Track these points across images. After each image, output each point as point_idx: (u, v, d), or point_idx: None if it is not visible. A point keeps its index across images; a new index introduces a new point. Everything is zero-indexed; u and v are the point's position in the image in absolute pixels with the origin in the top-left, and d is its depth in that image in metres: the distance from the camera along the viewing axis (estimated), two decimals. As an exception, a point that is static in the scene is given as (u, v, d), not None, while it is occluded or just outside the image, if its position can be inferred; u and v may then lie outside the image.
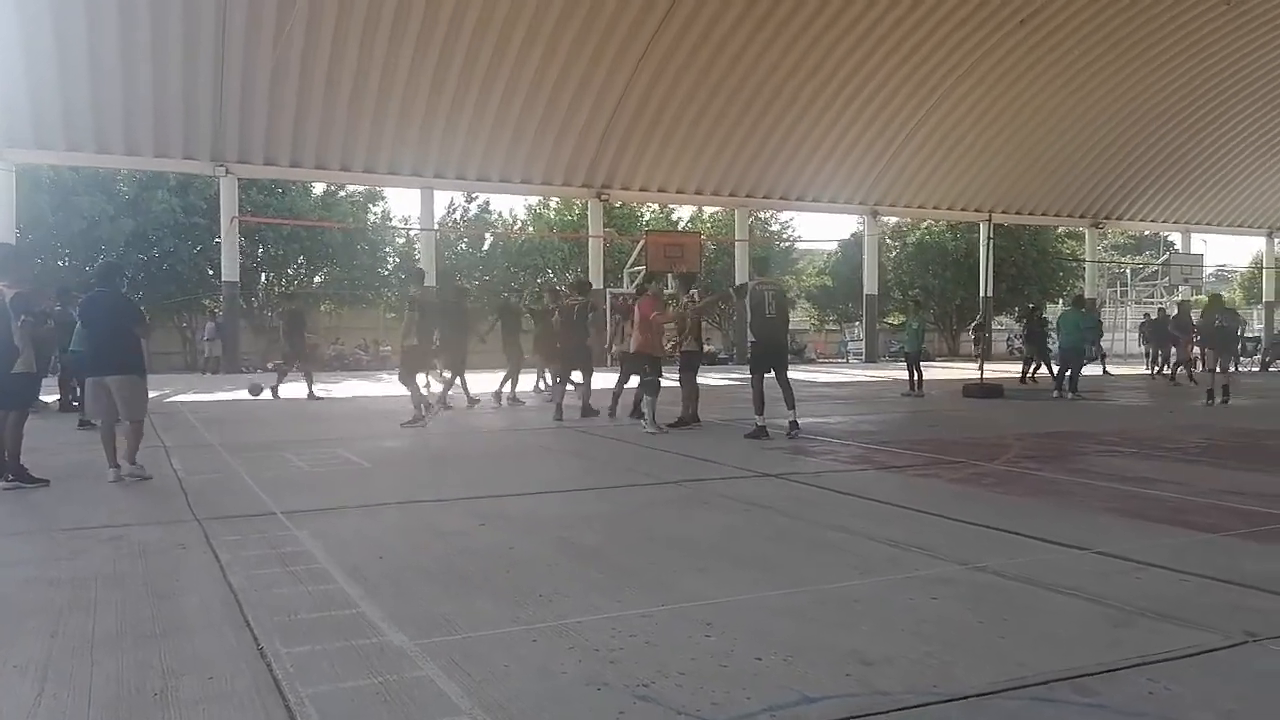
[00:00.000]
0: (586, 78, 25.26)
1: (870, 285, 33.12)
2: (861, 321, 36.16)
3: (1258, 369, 25.44)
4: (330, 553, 4.82)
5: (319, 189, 35.50)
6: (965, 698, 2.89)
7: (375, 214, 38.80)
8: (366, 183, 32.51)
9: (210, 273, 31.36)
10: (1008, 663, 3.18)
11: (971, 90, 28.69)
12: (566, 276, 39.82)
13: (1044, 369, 18.55)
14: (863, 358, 34.12)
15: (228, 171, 25.29)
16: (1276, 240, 40.98)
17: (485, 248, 39.83)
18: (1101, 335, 22.46)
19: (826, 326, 46.69)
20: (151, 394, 8.50)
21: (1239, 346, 20.91)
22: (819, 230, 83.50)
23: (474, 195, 38.32)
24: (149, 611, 3.90)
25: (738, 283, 7.82)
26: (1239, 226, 39.39)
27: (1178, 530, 5.29)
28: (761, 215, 39.18)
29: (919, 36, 26.22)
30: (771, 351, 10.15)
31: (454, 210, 39.54)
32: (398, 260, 38.78)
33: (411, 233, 36.36)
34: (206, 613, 3.89)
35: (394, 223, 39.76)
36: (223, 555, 4.79)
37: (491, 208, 40.83)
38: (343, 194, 36.52)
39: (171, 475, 7.53)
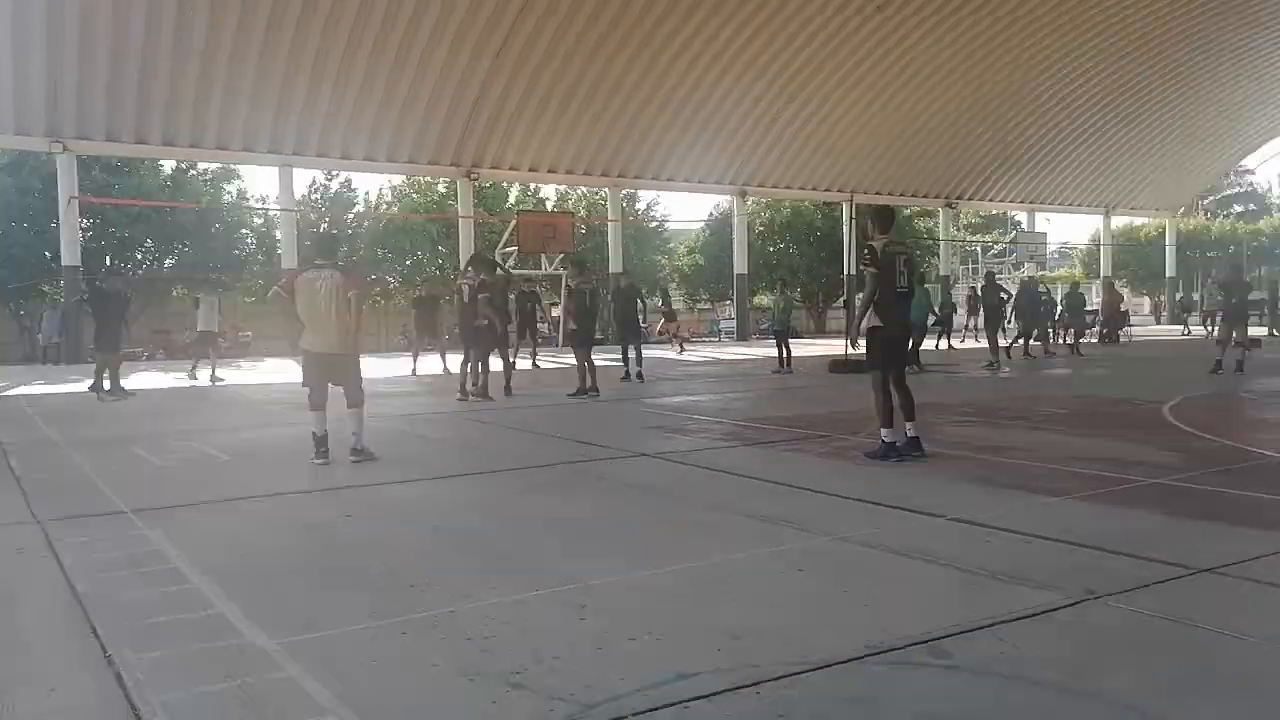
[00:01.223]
0: (453, 53, 24.68)
1: (740, 264, 33.75)
2: (732, 300, 36.85)
3: (1096, 340, 27.23)
4: (185, 552, 4.58)
5: (169, 166, 33.59)
6: (830, 665, 2.98)
7: (230, 193, 37.03)
8: (219, 160, 30.98)
9: (49, 256, 29.29)
10: (870, 629, 3.30)
11: (833, 74, 29.49)
12: (436, 258, 39.12)
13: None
14: (735, 336, 34.79)
15: (65, 148, 23.59)
16: (1113, 218, 43.90)
17: (349, 229, 38.49)
18: (954, 311, 23.63)
19: (699, 306, 47.37)
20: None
21: (1084, 320, 22.37)
22: (689, 208, 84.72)
23: (334, 173, 37.00)
24: (-20, 624, 3.62)
25: (864, 245, 7.01)
26: (1078, 206, 41.97)
27: (1025, 495, 5.60)
28: (628, 194, 39.27)
29: (783, 20, 26.74)
30: (900, 339, 7.32)
31: (315, 189, 38.14)
32: (255, 240, 37.22)
33: (270, 212, 34.86)
34: (47, 621, 3.64)
35: (251, 202, 38.05)
36: (66, 558, 4.49)
37: (354, 186, 39.56)
38: (194, 172, 34.66)
39: (8, 474, 7.01)
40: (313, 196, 37.89)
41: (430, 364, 17.66)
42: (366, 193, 41.78)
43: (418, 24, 23.61)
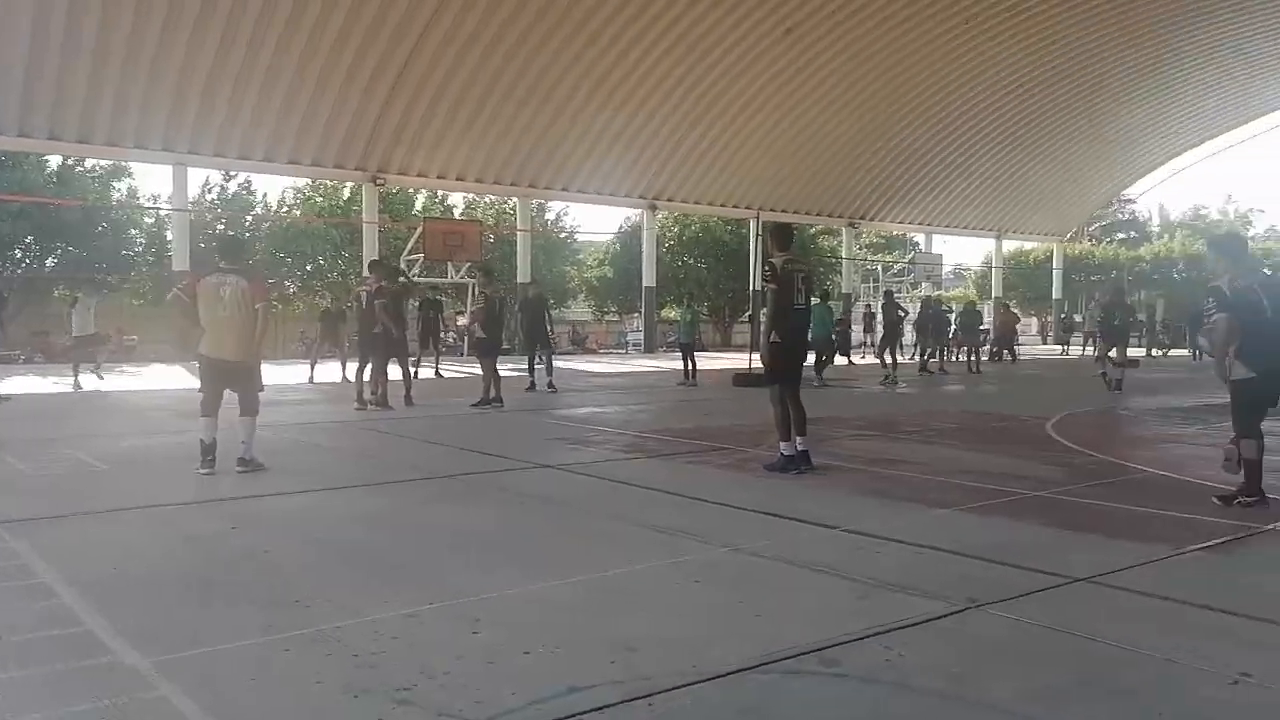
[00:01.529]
0: (360, 56, 24.15)
1: (648, 278, 33.94)
2: (640, 313, 37.03)
3: (987, 358, 28.28)
4: (56, 565, 4.34)
5: (54, 161, 32.00)
6: (722, 675, 3.00)
7: (120, 191, 35.51)
8: (109, 156, 29.68)
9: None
10: (763, 639, 3.33)
11: (742, 93, 29.97)
12: (339, 264, 38.23)
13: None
14: (642, 348, 34.94)
15: (-62, 140, 22.26)
16: (1005, 242, 45.74)
17: (247, 231, 37.21)
18: (848, 328, 24.27)
19: (607, 317, 47.45)
20: None
21: (979, 338, 23.23)
22: (599, 220, 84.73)
23: (232, 174, 35.81)
24: None
25: (764, 262, 7.06)
26: (973, 229, 43.60)
27: (917, 507, 5.76)
28: (538, 204, 39.14)
29: (694, 38, 27.06)
30: (797, 355, 7.38)
31: (209, 189, 36.82)
32: (145, 241, 35.75)
33: (162, 213, 33.52)
34: (-106, 642, 3.39)
35: (142, 201, 36.51)
36: (-81, 575, 4.20)
37: (253, 188, 38.36)
38: (81, 169, 33.09)
39: None
40: (207, 197, 36.61)
41: (329, 372, 17.22)
42: (265, 195, 40.51)
43: (324, 25, 23.04)
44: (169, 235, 30.66)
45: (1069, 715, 2.75)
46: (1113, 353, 15.07)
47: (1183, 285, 46.24)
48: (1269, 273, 6.77)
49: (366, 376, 12.05)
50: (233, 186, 37.29)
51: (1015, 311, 31.07)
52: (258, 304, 7.04)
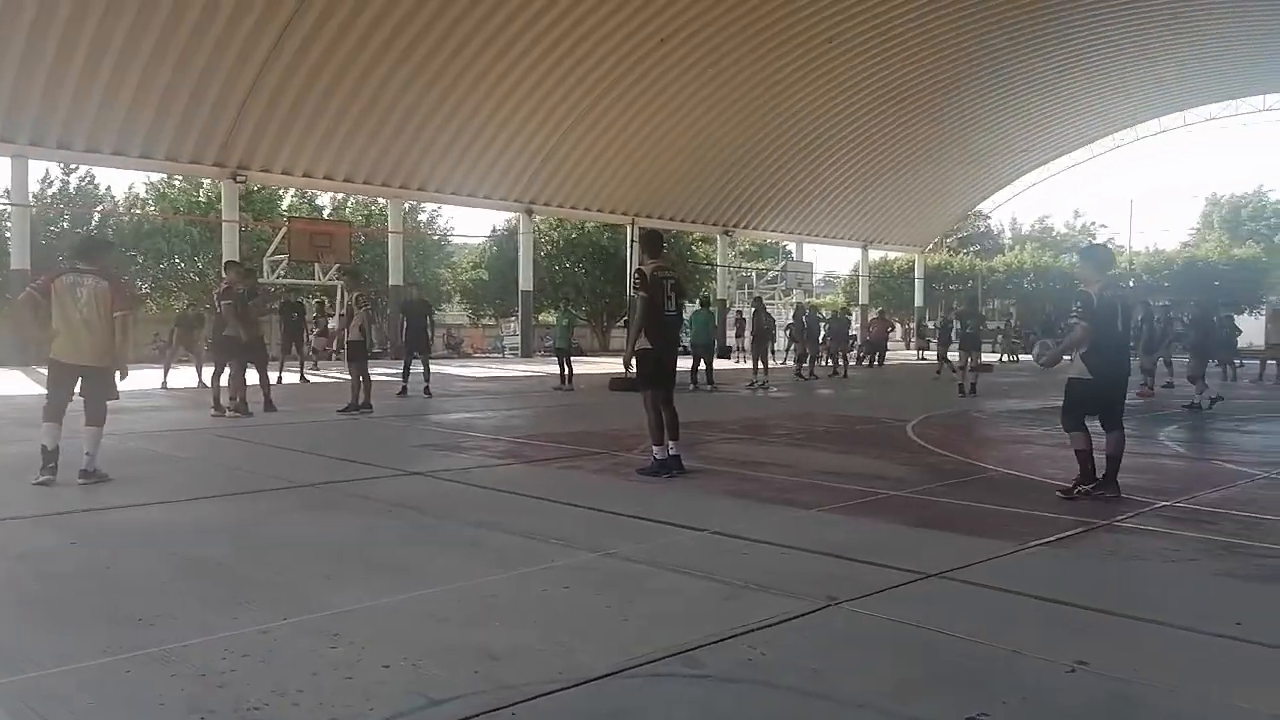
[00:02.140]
0: (220, 47, 23.06)
1: (525, 281, 33.72)
2: (517, 317, 36.73)
3: (854, 363, 29.31)
4: None
5: None
6: (587, 681, 2.99)
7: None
8: (-62, 146, 27.42)
9: None
10: (628, 643, 3.34)
11: (619, 100, 30.17)
12: (196, 264, 36.46)
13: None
14: (519, 353, 34.66)
15: None
16: (870, 252, 47.57)
17: (93, 228, 34.91)
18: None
19: (483, 321, 46.84)
20: None
21: (847, 344, 24.10)
22: (474, 223, 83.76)
23: (73, 167, 33.60)
24: None
25: (635, 269, 7.01)
26: (840, 239, 45.18)
27: (783, 508, 5.90)
28: (408, 205, 38.34)
29: (571, 43, 27.06)
30: (668, 361, 7.36)
31: (49, 184, 34.45)
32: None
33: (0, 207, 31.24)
34: None
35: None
36: None
37: (96, 181, 36.01)
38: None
39: None
40: (48, 192, 34.25)
41: (183, 377, 16.41)
42: (109, 188, 38.05)
43: (182, 11, 21.92)
44: (7, 233, 28.57)
45: (920, 707, 2.86)
46: (952, 357, 15.90)
47: (1033, 294, 49.11)
48: (1124, 287, 7.31)
49: (224, 381, 11.54)
50: (74, 181, 34.93)
51: (888, 319, 32.48)
52: (117, 312, 6.65)
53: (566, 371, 17.02)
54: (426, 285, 36.40)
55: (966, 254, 60.58)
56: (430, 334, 15.76)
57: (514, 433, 10.34)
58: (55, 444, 6.54)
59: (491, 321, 46.32)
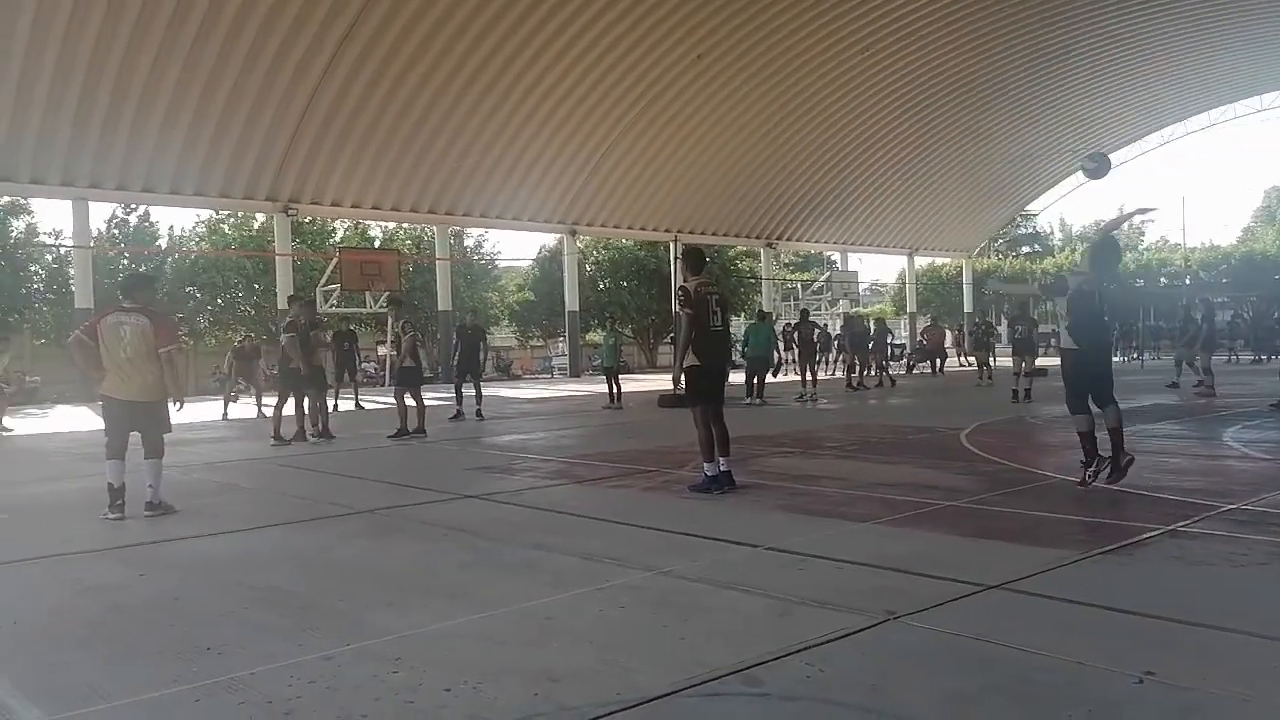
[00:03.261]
0: (268, 84, 23.72)
1: (571, 302, 33.94)
2: (564, 337, 36.97)
3: (904, 371, 29.01)
4: (-54, 624, 4.12)
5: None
6: (645, 702, 3.00)
7: (18, 229, 34.07)
8: (3, 193, 28.51)
9: None
10: (685, 662, 3.34)
11: (657, 118, 30.33)
12: (252, 296, 37.29)
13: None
14: (567, 373, 34.87)
15: None
16: (917, 259, 47.07)
17: (153, 265, 36.03)
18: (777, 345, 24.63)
19: (531, 343, 47.23)
20: None
21: (886, 353, 23.87)
22: (519, 246, 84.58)
23: (133, 206, 34.68)
24: None
25: (678, 286, 7.22)
26: (886, 247, 44.77)
27: (836, 522, 5.86)
28: (454, 231, 38.88)
29: (608, 65, 27.32)
30: (718, 376, 7.35)
31: (114, 224, 35.62)
32: (45, 278, 34.39)
33: (63, 249, 32.28)
34: None
35: (42, 238, 35.09)
36: None
37: (154, 219, 37.17)
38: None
39: None
40: (112, 232, 35.39)
41: (244, 409, 16.79)
42: (171, 227, 39.30)
43: (229, 54, 22.58)
44: (71, 272, 29.52)
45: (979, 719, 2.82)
46: (1006, 363, 15.77)
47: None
48: (1112, 286, 7.83)
49: (289, 411, 11.79)
50: (134, 220, 36.09)
51: (943, 326, 32.13)
52: (163, 348, 6.82)
53: (615, 390, 17.09)
54: (477, 309, 36.86)
55: (1016, 257, 59.69)
56: (483, 358, 16.07)
57: (565, 453, 10.40)
58: (121, 481, 6.72)
59: (540, 343, 46.71)
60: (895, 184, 39.52)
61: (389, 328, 24.41)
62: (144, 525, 6.47)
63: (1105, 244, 7.39)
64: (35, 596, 4.67)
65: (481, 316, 34.80)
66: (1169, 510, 5.85)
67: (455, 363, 16.00)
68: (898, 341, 36.23)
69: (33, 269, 34.68)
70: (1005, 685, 3.09)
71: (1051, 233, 68.87)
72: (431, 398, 15.17)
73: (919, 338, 33.30)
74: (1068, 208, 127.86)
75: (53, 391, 25.84)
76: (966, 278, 48.29)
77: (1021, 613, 3.92)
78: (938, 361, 27.37)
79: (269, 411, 12.58)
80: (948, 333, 32.54)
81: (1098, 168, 7.16)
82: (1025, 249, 64.48)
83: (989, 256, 54.09)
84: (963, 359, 30.21)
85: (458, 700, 3.08)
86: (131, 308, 6.86)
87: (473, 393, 15.13)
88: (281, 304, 26.32)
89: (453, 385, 15.78)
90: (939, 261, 50.92)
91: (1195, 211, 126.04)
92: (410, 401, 12.19)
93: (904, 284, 48.39)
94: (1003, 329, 36.42)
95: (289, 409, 11.79)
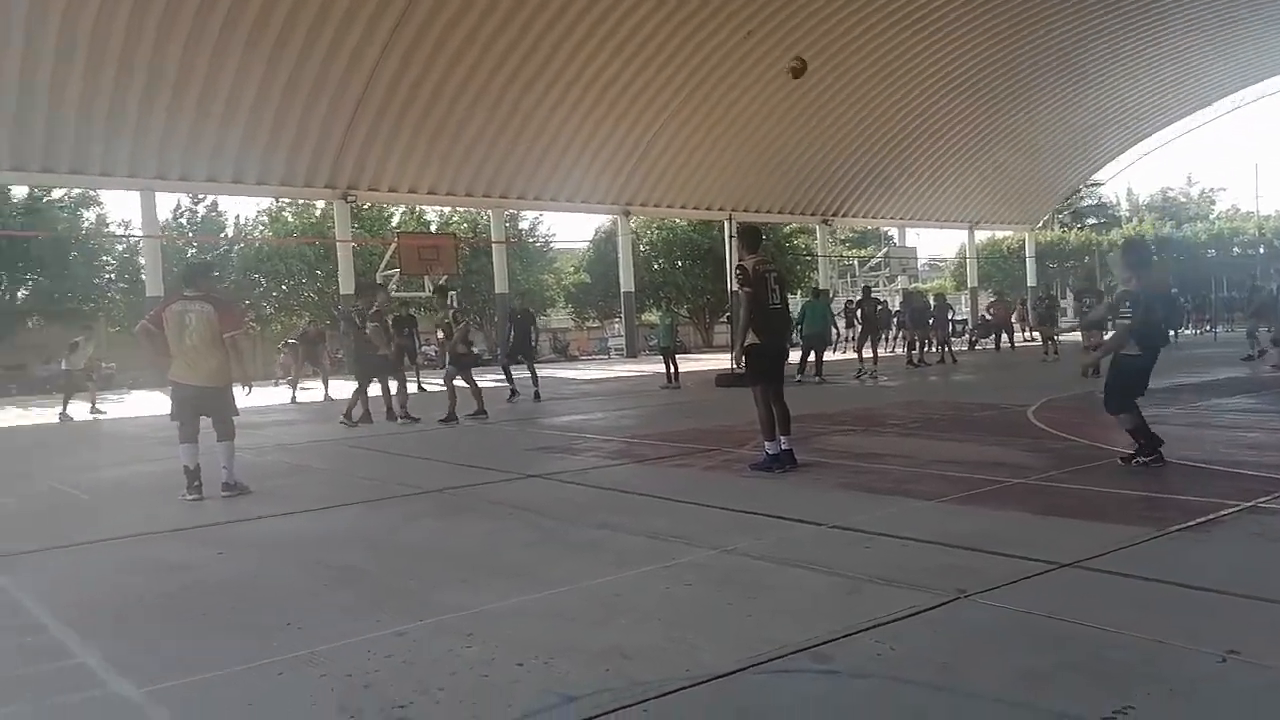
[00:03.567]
0: (324, 73, 24.09)
1: (626, 283, 33.98)
2: (620, 318, 37.05)
3: (966, 347, 28.52)
4: (41, 598, 4.31)
5: (19, 193, 31.66)
6: (714, 678, 3.01)
7: (89, 219, 35.16)
8: (75, 185, 29.40)
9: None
10: (753, 639, 3.35)
11: (709, 97, 30.10)
12: (315, 282, 37.99)
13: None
14: (624, 353, 34.97)
15: (-100, 174, 21.99)
16: (977, 233, 46.12)
17: (219, 253, 36.96)
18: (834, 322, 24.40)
19: (587, 324, 47.42)
20: None
21: (948, 329, 23.48)
22: (574, 228, 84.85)
23: (200, 196, 35.60)
24: None
25: (736, 265, 7.32)
26: (945, 221, 43.94)
27: (901, 500, 5.80)
28: (509, 214, 39.10)
29: (659, 43, 27.17)
30: (777, 355, 7.37)
31: (180, 213, 36.58)
32: (117, 268, 35.47)
33: (133, 239, 33.24)
34: (-119, 686, 3.35)
35: (112, 228, 36.17)
36: (-97, 616, 4.15)
37: (221, 209, 38.13)
38: (48, 199, 32.75)
39: None
40: (179, 221, 36.34)
41: (311, 392, 17.18)
42: (238, 216, 40.26)
43: (285, 42, 22.96)
44: (141, 261, 30.38)
45: (1059, 701, 2.79)
46: (1077, 336, 15.47)
47: (1155, 268, 46.72)
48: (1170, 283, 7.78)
49: (374, 393, 12.17)
50: (201, 209, 37.03)
51: (1010, 301, 31.49)
52: (228, 333, 6.99)
53: (672, 370, 17.09)
54: (531, 291, 37.10)
55: (1081, 229, 58.15)
56: (535, 341, 16.38)
57: (625, 433, 10.45)
58: (195, 463, 6.93)
59: (596, 324, 46.86)
60: (954, 156, 38.72)
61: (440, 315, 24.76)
62: (221, 505, 6.67)
63: (1130, 245, 7.50)
64: (122, 574, 4.85)
65: (534, 299, 35.03)
66: (1248, 485, 5.69)
67: (508, 346, 16.21)
68: (959, 317, 35.64)
69: (104, 259, 35.76)
70: (1080, 663, 3.05)
71: (1117, 203, 66.95)
72: (486, 381, 15.35)
73: (984, 312, 32.63)
74: (1135, 177, 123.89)
75: (127, 377, 26.68)
76: (1029, 251, 47.22)
77: (1096, 591, 3.85)
78: (1004, 336, 26.86)
79: (336, 395, 12.89)
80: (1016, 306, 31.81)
81: None
82: (1090, 220, 62.78)
83: (1052, 228, 52.78)
84: (1027, 334, 29.58)
85: (530, 675, 3.13)
86: (195, 295, 7.03)
87: (523, 375, 15.28)
88: (344, 289, 26.85)
89: (501, 367, 16.01)
90: (1000, 235, 49.85)
91: (1269, 179, 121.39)
92: (461, 383, 12.33)
93: (964, 258, 47.49)
94: (1067, 303, 35.58)
95: (373, 392, 12.13)
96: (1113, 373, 6.66)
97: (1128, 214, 63.23)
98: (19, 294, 33.74)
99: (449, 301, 13.83)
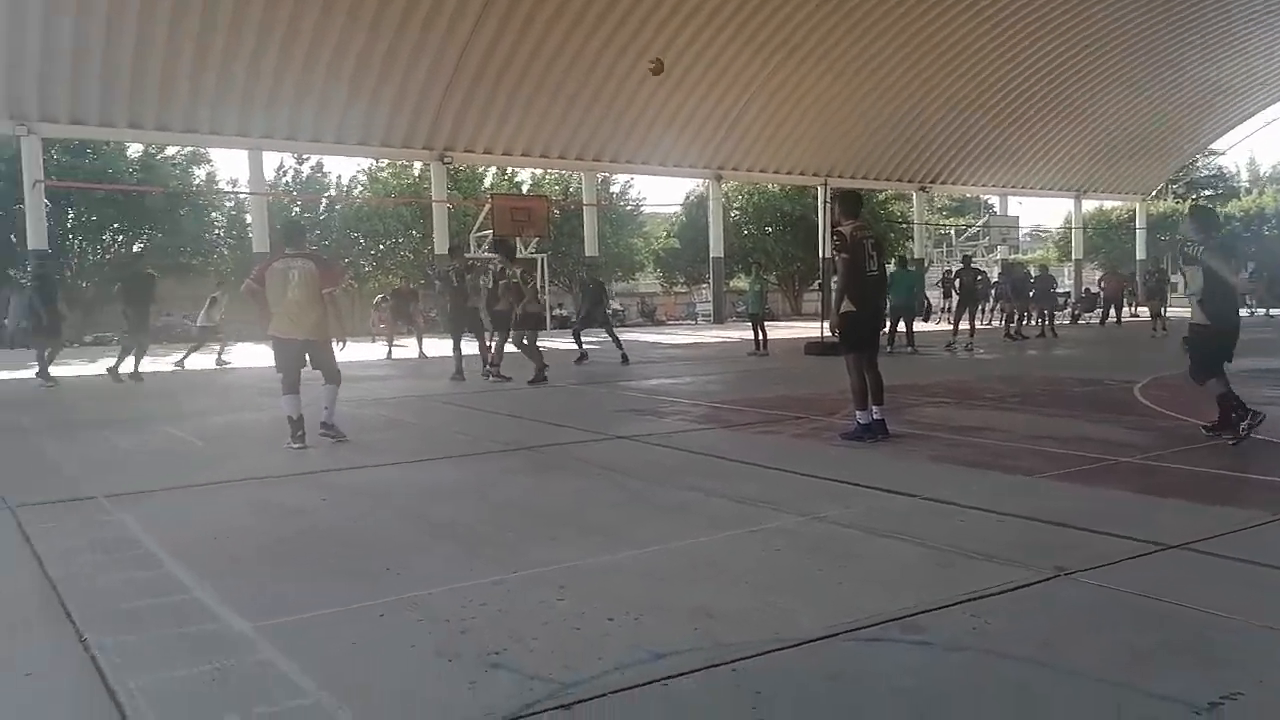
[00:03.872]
0: (424, 36, 24.44)
1: (715, 248, 33.78)
2: (709, 283, 36.90)
3: (1068, 321, 27.56)
4: (158, 536, 4.56)
5: (135, 149, 33.10)
6: (804, 643, 3.01)
7: (199, 177, 36.56)
8: (187, 143, 30.63)
9: (14, 240, 28.80)
10: (843, 607, 3.34)
11: (805, 60, 29.50)
12: (410, 242, 38.82)
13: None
14: (711, 319, 34.86)
15: (29, 130, 23.18)
16: (1085, 202, 44.29)
17: (321, 212, 38.12)
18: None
19: (675, 289, 47.37)
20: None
21: (1054, 302, 22.78)
22: (665, 192, 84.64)
23: (305, 156, 36.64)
24: (-49, 612, 3.58)
25: (834, 231, 7.32)
26: (1050, 190, 42.32)
27: (997, 474, 5.67)
28: (601, 177, 39.09)
29: (754, 6, 26.66)
30: (873, 323, 7.39)
31: (285, 173, 37.74)
32: (225, 224, 36.86)
33: (240, 196, 34.45)
34: (20, 606, 3.61)
35: (221, 185, 37.57)
36: (38, 544, 4.45)
37: (325, 169, 39.21)
38: (162, 156, 34.18)
39: (-26, 462, 6.92)
40: (283, 180, 37.49)
41: (404, 349, 17.66)
42: (339, 176, 41.36)
43: (385, 8, 23.32)
44: (248, 218, 31.49)
45: (1164, 684, 2.70)
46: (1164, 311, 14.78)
47: (1276, 242, 44.22)
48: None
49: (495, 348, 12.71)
50: (306, 169, 38.13)
51: (1122, 274, 30.32)
52: (327, 289, 7.25)
53: (760, 336, 16.98)
54: (620, 255, 37.13)
55: (1196, 200, 55.31)
56: (606, 309, 17.34)
57: (712, 398, 10.45)
58: (299, 413, 7.21)
59: (684, 289, 46.76)
60: (1062, 122, 37.15)
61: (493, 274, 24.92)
62: (324, 454, 6.93)
63: (1198, 211, 7.42)
64: (232, 516, 5.09)
65: (603, 270, 35.02)
66: (1374, 474, 5.38)
67: (581, 314, 17.09)
68: (1062, 290, 34.39)
69: (213, 215, 37.19)
70: (1186, 644, 2.95)
71: (1237, 173, 63.37)
72: (559, 345, 15.54)
73: (1095, 286, 31.43)
74: (1257, 145, 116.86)
75: (233, 330, 27.79)
76: (1140, 222, 45.20)
77: (1204, 573, 3.71)
78: (1114, 311, 25.87)
79: (429, 351, 13.18)
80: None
81: None
82: (1207, 191, 59.61)
83: (1165, 199, 50.33)
84: (1133, 309, 28.43)
85: (620, 629, 3.18)
86: (295, 253, 7.29)
87: (591, 341, 15.92)
88: (438, 249, 27.34)
89: (573, 333, 16.29)
90: (1108, 205, 47.78)
91: None
92: (510, 346, 12.42)
93: (1069, 229, 45.71)
94: (1176, 278, 33.87)
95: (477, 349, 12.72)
96: (1190, 342, 6.80)
97: (1247, 185, 59.79)
98: (134, 248, 35.36)
99: (507, 261, 13.16)
